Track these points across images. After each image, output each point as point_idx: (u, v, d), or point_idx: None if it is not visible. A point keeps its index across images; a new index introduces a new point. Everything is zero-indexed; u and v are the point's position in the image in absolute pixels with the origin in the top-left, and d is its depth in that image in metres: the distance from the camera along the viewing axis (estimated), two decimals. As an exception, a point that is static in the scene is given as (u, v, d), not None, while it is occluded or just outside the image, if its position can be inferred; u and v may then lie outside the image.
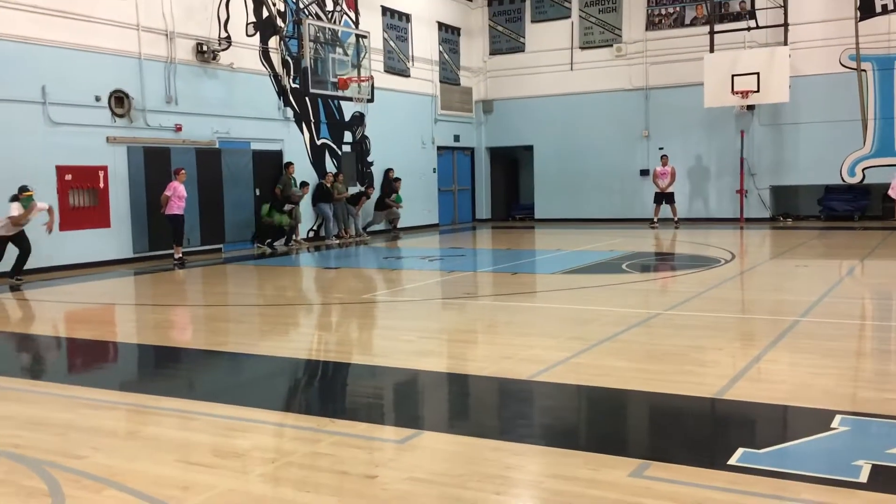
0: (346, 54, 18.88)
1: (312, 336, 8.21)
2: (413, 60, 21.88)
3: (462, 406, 5.53)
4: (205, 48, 15.82)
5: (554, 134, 23.24)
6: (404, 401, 5.74)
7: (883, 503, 3.46)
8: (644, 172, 22.13)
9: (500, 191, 25.57)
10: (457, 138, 23.91)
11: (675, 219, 20.13)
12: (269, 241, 16.96)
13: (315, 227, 18.89)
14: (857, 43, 19.12)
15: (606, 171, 22.63)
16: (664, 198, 20.24)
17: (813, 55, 19.78)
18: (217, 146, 16.31)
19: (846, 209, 20.26)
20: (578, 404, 5.39)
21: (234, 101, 16.62)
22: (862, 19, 19.18)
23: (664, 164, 20.36)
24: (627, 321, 7.76)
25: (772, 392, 5.25)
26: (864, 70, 19.43)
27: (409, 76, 21.74)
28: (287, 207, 17.15)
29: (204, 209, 15.92)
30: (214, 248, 16.30)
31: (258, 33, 17.26)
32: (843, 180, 20.16)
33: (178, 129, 15.39)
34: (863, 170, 19.85)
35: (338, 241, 18.36)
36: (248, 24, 16.99)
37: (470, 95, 24.36)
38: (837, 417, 4.58)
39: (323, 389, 6.17)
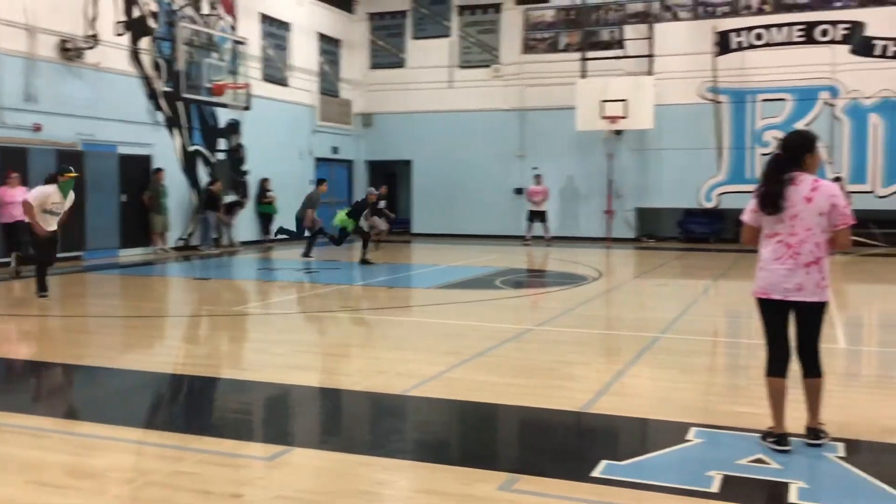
0: (222, 60, 18.45)
1: (179, 349, 7.91)
2: (292, 70, 21.60)
3: (334, 421, 5.47)
4: (69, 45, 15.04)
5: (432, 150, 23.48)
6: (274, 416, 5.62)
7: (732, 511, 3.67)
8: (518, 191, 22.68)
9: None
10: (335, 150, 23.75)
11: (547, 237, 20.72)
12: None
13: (186, 236, 18.26)
14: (715, 76, 20.38)
15: (482, 189, 23.04)
16: (537, 216, 20.82)
17: (676, 86, 20.91)
18: (80, 148, 15.50)
19: (703, 232, 21.47)
20: (451, 419, 5.44)
21: (100, 102, 15.86)
22: (719, 54, 20.48)
23: (538, 184, 20.95)
24: (500, 336, 7.91)
25: (633, 406, 5.48)
26: (721, 102, 20.72)
27: (287, 86, 21.43)
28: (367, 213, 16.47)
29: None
30: (74, 256, 15.45)
31: (128, 33, 16.57)
32: (701, 204, 21.37)
33: (38, 128, 14.53)
34: (718, 195, 21.12)
35: (217, 251, 17.84)
36: (117, 23, 16.29)
37: (349, 108, 24.28)
38: (693, 430, 4.83)
39: (188, 405, 5.95)
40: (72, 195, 10.41)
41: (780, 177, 4.48)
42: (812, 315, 4.53)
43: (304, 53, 22.05)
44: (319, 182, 17.12)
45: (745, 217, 4.68)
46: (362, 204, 15.70)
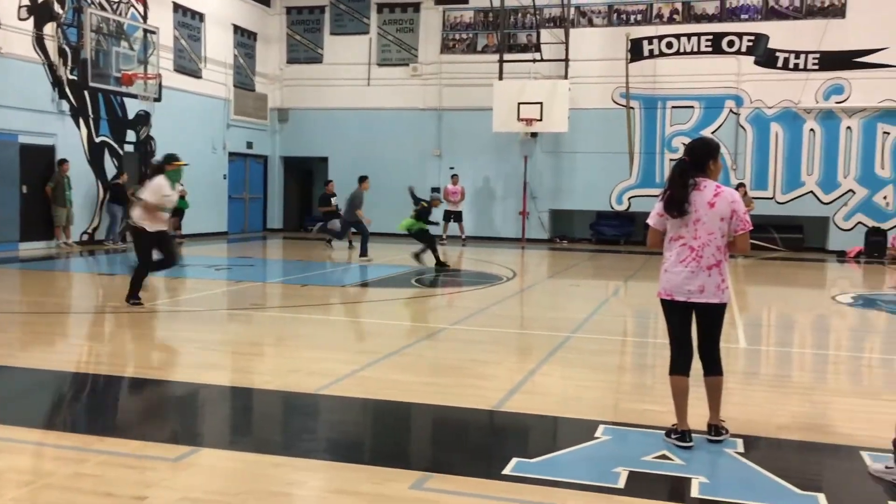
0: (132, 49, 17.87)
1: (82, 347, 7.62)
2: (205, 62, 21.09)
3: (244, 421, 5.38)
4: (-33, 28, 14.30)
5: (350, 147, 23.31)
6: (182, 416, 5.48)
7: (637, 506, 3.79)
8: (435, 190, 22.73)
9: (294, 201, 25.22)
10: (250, 145, 23.31)
11: (463, 236, 20.86)
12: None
13: (90, 231, 17.60)
14: (627, 82, 20.92)
15: (400, 187, 22.90)
16: (453, 216, 20.94)
17: (590, 90, 21.35)
18: (-23, 136, 14.77)
19: (613, 234, 22.00)
20: (364, 418, 5.42)
21: (0, 89, 15.12)
22: (632, 61, 21.02)
23: (455, 183, 21.06)
24: (414, 335, 7.92)
25: (544, 404, 5.58)
26: (633, 108, 21.29)
27: (200, 77, 20.92)
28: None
29: (-42, 205, 14.35)
30: (-31, 249, 14.70)
31: (32, 17, 15.85)
32: (612, 207, 21.90)
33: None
34: (629, 198, 21.68)
35: (123, 246, 17.25)
36: (20, 7, 15.56)
37: (265, 102, 23.87)
38: (601, 427, 4.95)
39: (91, 405, 5.75)
40: (178, 187, 9.43)
41: (686, 182, 4.64)
42: (713, 316, 4.71)
43: (218, 45, 21.56)
44: (362, 179, 16.74)
45: (651, 221, 4.83)
46: (428, 208, 14.91)
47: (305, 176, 25.69)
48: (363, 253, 15.80)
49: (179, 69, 20.00)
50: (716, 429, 4.74)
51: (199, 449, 4.45)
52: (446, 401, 5.59)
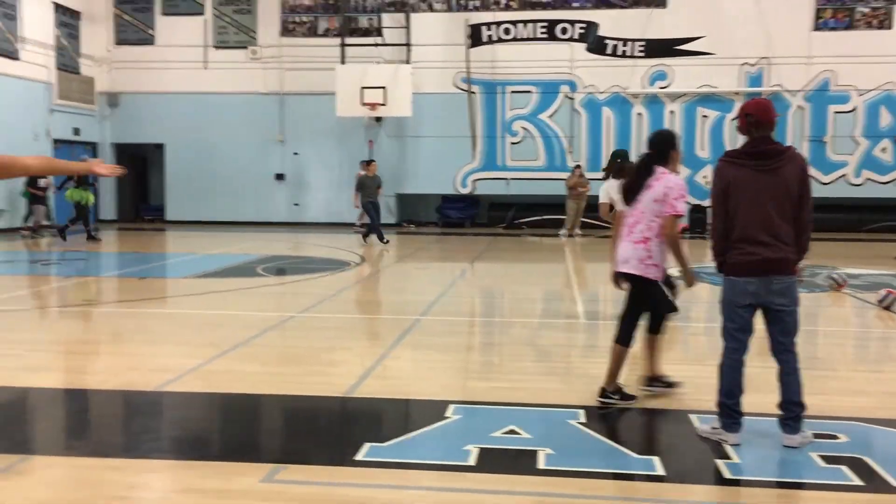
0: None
1: None
2: (23, 42, 19.53)
3: (80, 424, 5.07)
4: None
5: (187, 133, 22.36)
6: (9, 423, 5.08)
7: (488, 482, 3.88)
8: (279, 176, 22.29)
9: (128, 190, 23.91)
10: (77, 131, 21.86)
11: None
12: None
13: None
14: (468, 68, 21.29)
15: (241, 174, 22.35)
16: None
17: (432, 75, 21.55)
18: None
19: (459, 217, 22.39)
20: (211, 413, 5.25)
21: None
22: (472, 46, 21.40)
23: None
24: (261, 325, 7.74)
25: (395, 387, 5.62)
26: (474, 92, 21.70)
27: (17, 59, 19.36)
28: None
29: None
30: None
31: None
32: (457, 190, 22.27)
33: None
34: (473, 181, 22.13)
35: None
36: None
37: (92, 86, 22.42)
38: (451, 407, 5.04)
39: None
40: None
41: (647, 173, 5.05)
42: (638, 288, 5.20)
43: (37, 24, 20.01)
44: (367, 163, 17.09)
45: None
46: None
47: (140, 164, 24.43)
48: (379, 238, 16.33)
49: (-8, 49, 18.43)
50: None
51: (29, 457, 4.16)
52: (296, 390, 5.50)
